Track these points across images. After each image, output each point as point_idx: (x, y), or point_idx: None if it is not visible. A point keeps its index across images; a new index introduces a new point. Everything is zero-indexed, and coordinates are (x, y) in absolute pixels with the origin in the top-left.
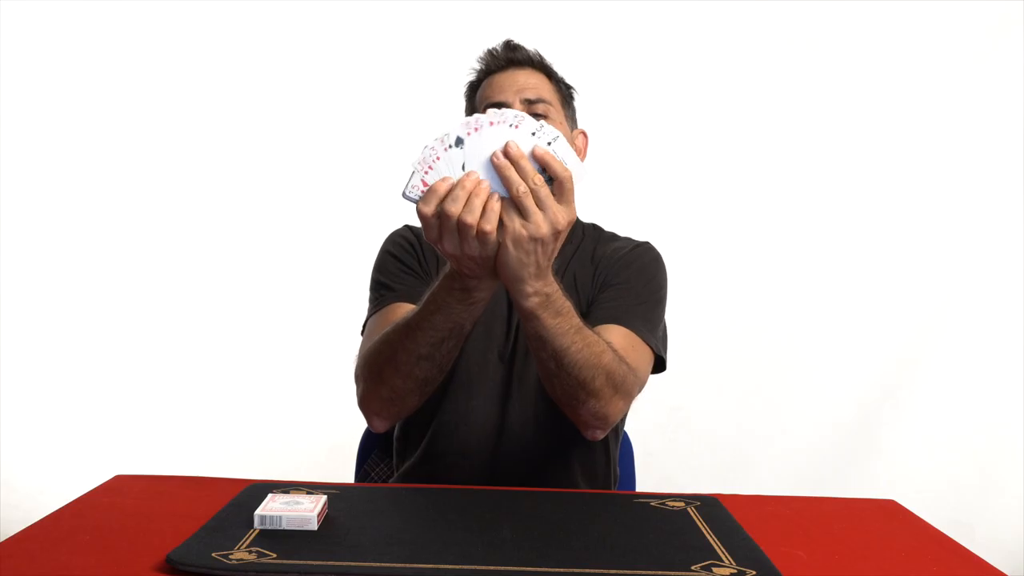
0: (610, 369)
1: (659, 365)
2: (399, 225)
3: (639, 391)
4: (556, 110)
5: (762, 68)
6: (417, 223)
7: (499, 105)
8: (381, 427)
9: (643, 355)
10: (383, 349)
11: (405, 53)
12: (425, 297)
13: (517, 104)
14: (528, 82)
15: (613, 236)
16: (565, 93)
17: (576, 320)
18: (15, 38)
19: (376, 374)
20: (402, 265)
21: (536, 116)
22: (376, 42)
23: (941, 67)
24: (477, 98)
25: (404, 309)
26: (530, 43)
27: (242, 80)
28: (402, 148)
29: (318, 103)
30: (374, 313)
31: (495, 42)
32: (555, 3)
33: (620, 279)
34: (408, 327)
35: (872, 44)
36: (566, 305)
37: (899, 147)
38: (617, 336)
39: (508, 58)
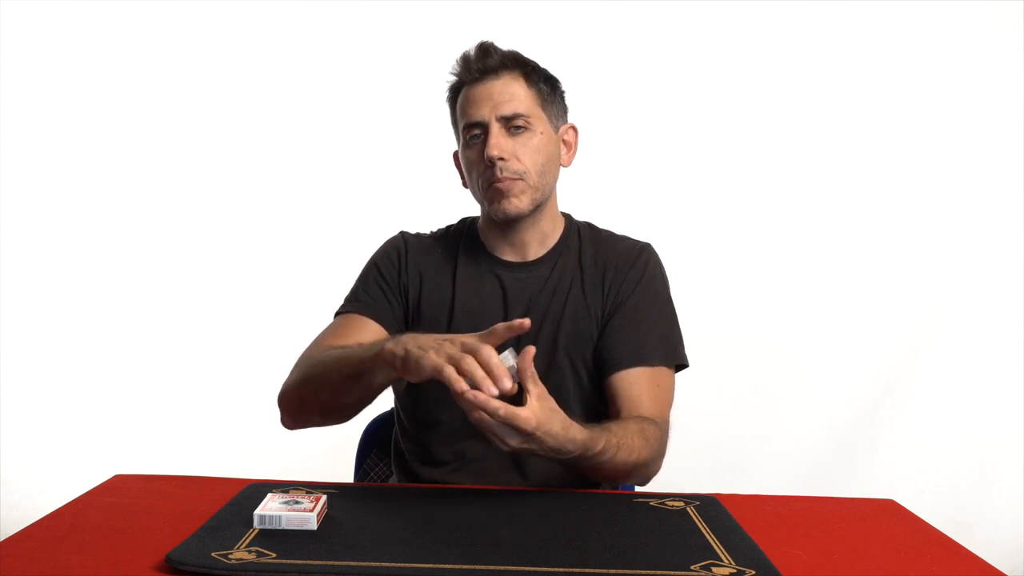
0: (644, 458)
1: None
2: (396, 228)
3: (669, 413)
4: (536, 118)
5: (762, 67)
6: (412, 229)
7: (478, 125)
8: (288, 425)
9: (667, 385)
10: (306, 386)
11: (398, 51)
12: (356, 356)
13: (494, 123)
14: (503, 95)
15: (611, 236)
16: (546, 91)
17: (606, 448)
18: (15, 38)
19: (299, 396)
20: (381, 279)
21: (516, 128)
22: (370, 41)
23: (941, 67)
24: (457, 109)
25: (362, 323)
26: (524, 40)
27: (240, 82)
28: (397, 151)
29: (313, 107)
30: (340, 314)
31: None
32: (551, 6)
33: (632, 303)
34: (330, 375)
35: (872, 44)
36: (594, 446)
37: (898, 146)
38: (643, 382)
39: (480, 68)
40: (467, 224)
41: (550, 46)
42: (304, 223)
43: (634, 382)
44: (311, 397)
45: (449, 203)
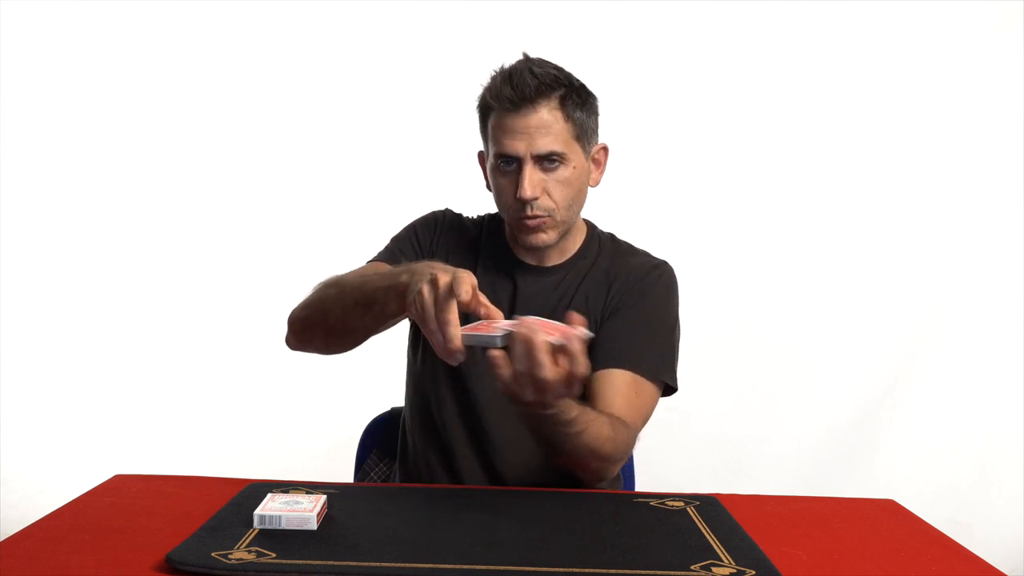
0: (607, 452)
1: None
2: (401, 227)
3: (642, 426)
4: (570, 151)
5: (762, 67)
6: (456, 210)
7: (510, 159)
8: (291, 344)
9: (647, 397)
10: (317, 306)
11: (411, 53)
12: (373, 283)
13: (528, 160)
14: (539, 130)
15: (631, 250)
16: (582, 118)
17: (577, 419)
18: (15, 38)
19: (307, 315)
20: (416, 240)
21: (550, 164)
22: (381, 41)
23: (941, 67)
24: (489, 129)
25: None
26: (545, 48)
27: (242, 82)
28: (405, 153)
29: (319, 105)
30: (371, 261)
31: (504, 44)
32: (566, 9)
33: (634, 311)
34: (345, 297)
35: (872, 44)
36: (568, 410)
37: (899, 147)
38: (622, 384)
39: (517, 97)
40: (497, 219)
41: (562, 55)
42: (303, 223)
43: (613, 382)
44: (320, 317)
45: (468, 198)
